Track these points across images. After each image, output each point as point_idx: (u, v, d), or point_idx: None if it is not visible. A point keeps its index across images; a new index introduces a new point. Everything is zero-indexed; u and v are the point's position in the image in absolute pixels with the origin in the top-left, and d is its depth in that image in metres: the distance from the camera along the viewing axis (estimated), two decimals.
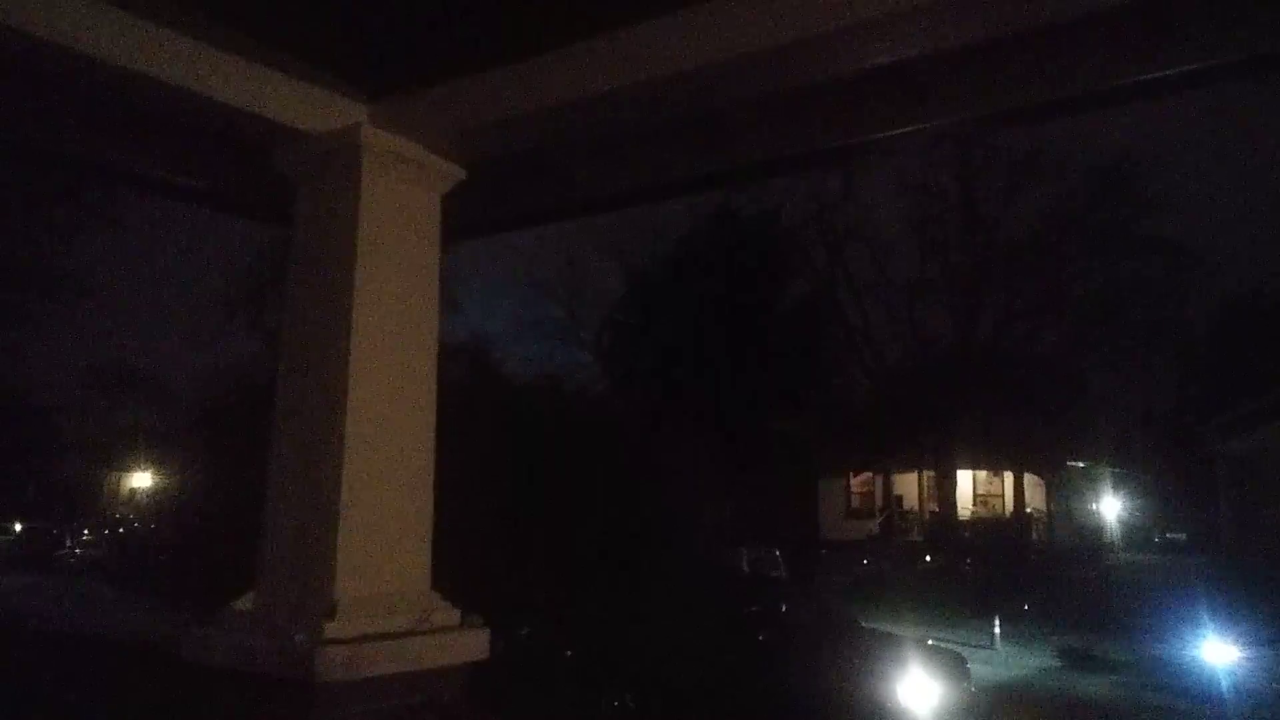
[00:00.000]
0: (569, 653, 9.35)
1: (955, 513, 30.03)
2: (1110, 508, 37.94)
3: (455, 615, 3.21)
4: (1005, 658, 13.16)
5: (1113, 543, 36.53)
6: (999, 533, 28.65)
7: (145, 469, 38.82)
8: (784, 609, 9.76)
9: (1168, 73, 2.56)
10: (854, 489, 35.25)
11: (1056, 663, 12.93)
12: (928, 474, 32.74)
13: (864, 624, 10.19)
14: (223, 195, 4.14)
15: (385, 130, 3.17)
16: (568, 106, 2.86)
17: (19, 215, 19.76)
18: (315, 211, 3.29)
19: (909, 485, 34.34)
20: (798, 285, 28.82)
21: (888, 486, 33.50)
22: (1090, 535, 36.23)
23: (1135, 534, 38.46)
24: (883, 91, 2.75)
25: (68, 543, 32.36)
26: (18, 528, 34.83)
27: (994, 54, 2.46)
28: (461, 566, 4.20)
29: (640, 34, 2.61)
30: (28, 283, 21.27)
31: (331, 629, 2.80)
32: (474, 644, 3.19)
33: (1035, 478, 33.58)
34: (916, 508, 34.12)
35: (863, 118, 3.03)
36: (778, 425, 25.64)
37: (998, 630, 13.99)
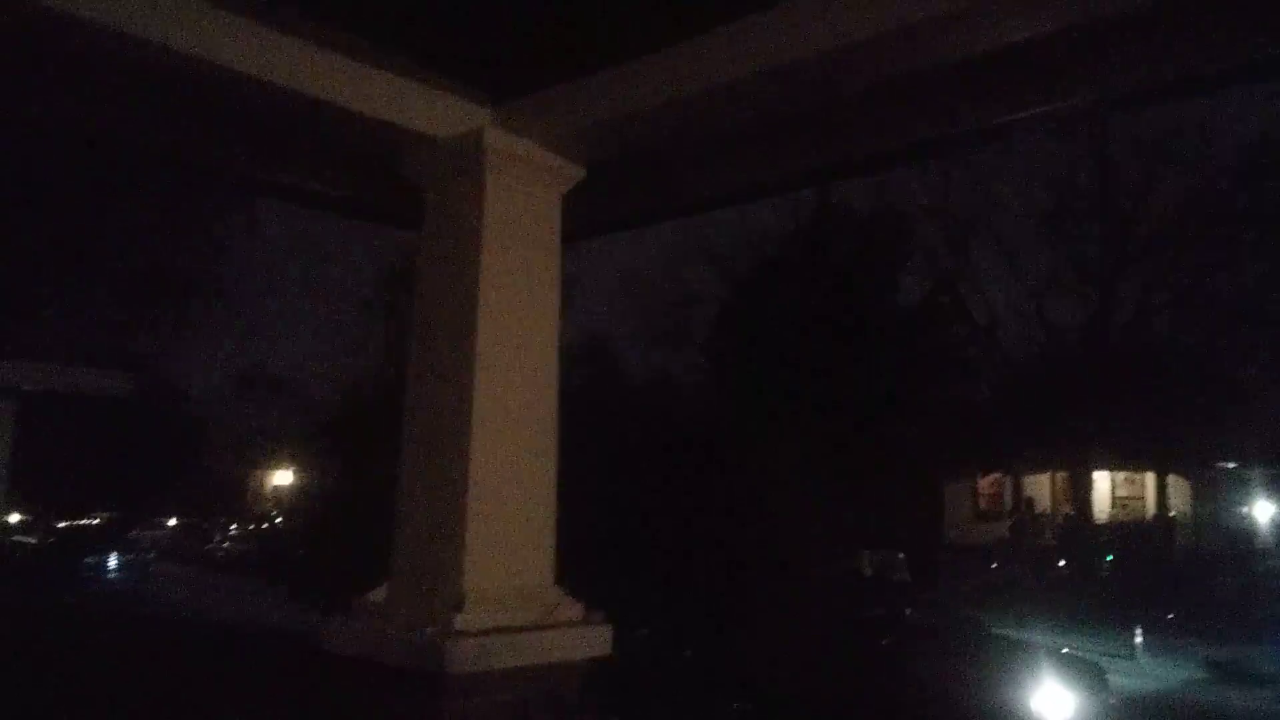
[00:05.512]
0: (688, 654, 9.35)
1: (1091, 515, 28.67)
2: (1263, 512, 35.50)
3: (579, 611, 3.23)
4: (1147, 669, 12.53)
5: (1265, 549, 34.17)
6: (1140, 537, 27.24)
7: (287, 468, 40.75)
8: (908, 613, 9.52)
9: None
10: (982, 490, 34.12)
11: (1202, 675, 12.26)
12: (1060, 475, 31.40)
13: (993, 630, 9.84)
14: (356, 202, 4.29)
15: (507, 132, 3.22)
16: (685, 102, 2.84)
17: (181, 228, 21.21)
18: (442, 215, 3.38)
19: (1040, 487, 33.01)
20: (918, 281, 28.04)
21: (1018, 488, 32.26)
22: (1240, 541, 34.00)
23: None
24: (1013, 71, 2.63)
25: (216, 537, 34.27)
26: (171, 522, 37.15)
27: (1139, 25, 2.31)
28: (582, 565, 4.24)
29: (760, 23, 2.57)
30: (186, 292, 22.78)
31: (459, 622, 2.86)
32: (597, 640, 3.21)
33: (1179, 479, 31.77)
34: (1049, 510, 32.77)
35: (989, 101, 2.90)
36: (899, 426, 25.01)
37: (1139, 640, 13.32)
